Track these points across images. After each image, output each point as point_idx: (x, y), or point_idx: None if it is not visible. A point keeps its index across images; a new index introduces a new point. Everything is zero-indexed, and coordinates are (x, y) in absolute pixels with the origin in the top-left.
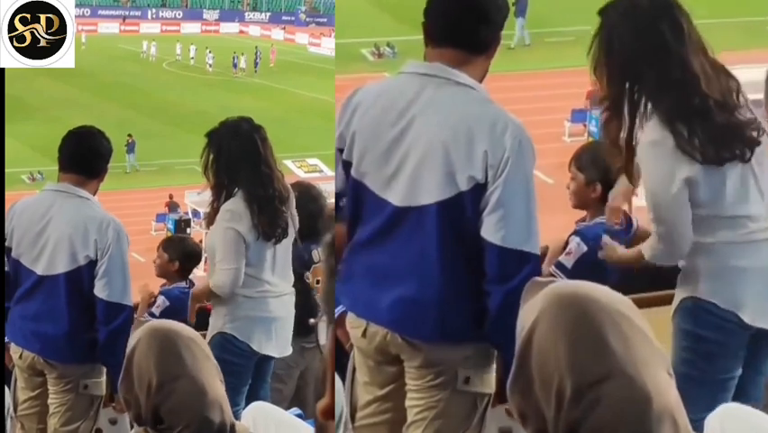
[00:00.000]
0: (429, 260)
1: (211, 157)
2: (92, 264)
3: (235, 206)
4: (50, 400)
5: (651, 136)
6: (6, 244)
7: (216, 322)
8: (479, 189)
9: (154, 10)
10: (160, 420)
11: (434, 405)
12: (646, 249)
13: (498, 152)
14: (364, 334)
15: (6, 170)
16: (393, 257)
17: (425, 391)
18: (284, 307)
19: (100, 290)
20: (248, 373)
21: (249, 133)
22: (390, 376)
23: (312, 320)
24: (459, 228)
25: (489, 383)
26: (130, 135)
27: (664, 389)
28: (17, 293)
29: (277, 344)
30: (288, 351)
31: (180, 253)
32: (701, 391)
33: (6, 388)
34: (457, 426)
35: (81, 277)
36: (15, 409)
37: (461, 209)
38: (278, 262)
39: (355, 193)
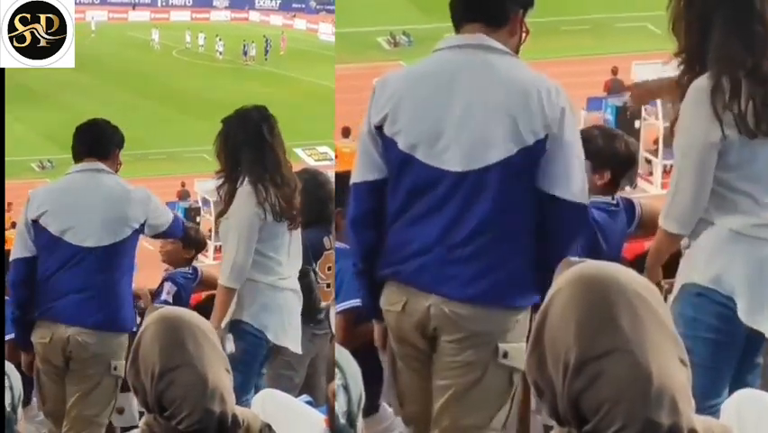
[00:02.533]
0: (492, 221)
1: (219, 143)
2: (141, 229)
3: (243, 190)
4: (73, 387)
5: (698, 83)
6: (41, 223)
7: (232, 309)
8: (538, 147)
9: None
10: (164, 408)
11: (472, 382)
12: (662, 215)
13: (557, 107)
14: (404, 308)
15: (16, 158)
16: (454, 223)
17: (462, 368)
18: (293, 300)
19: (162, 225)
20: (258, 362)
21: (257, 121)
22: (426, 360)
23: (324, 303)
24: (520, 185)
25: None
26: None
27: (669, 372)
28: (59, 270)
29: (291, 336)
30: (299, 348)
31: (194, 242)
32: (701, 380)
33: (6, 387)
34: (492, 403)
35: (132, 243)
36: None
37: (521, 167)
38: (292, 253)
39: (402, 167)
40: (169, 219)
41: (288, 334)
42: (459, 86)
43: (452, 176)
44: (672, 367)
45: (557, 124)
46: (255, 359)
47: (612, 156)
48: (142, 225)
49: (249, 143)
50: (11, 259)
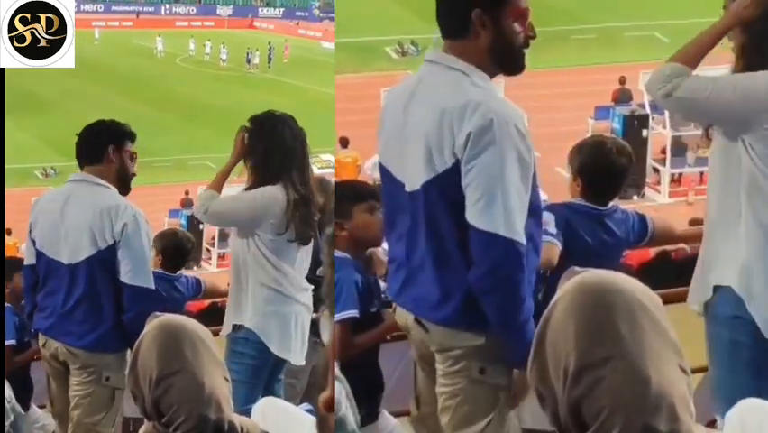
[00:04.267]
0: (434, 246)
1: (261, 146)
2: (111, 249)
3: (276, 194)
4: (72, 393)
5: None
6: (30, 236)
7: (237, 314)
8: (452, 174)
9: (167, 6)
10: (162, 415)
11: (457, 393)
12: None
13: (464, 131)
14: (396, 314)
15: (20, 166)
16: (408, 241)
17: (448, 378)
18: (303, 313)
19: (125, 275)
20: (265, 371)
21: (299, 131)
22: (432, 361)
23: (314, 314)
24: (444, 212)
25: (510, 376)
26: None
27: (669, 380)
28: (44, 283)
29: (294, 348)
30: (302, 360)
31: (163, 246)
32: (733, 392)
33: (6, 388)
34: (480, 415)
35: (102, 263)
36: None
37: (444, 194)
38: (303, 265)
39: (383, 180)
40: (142, 268)
41: (291, 346)
42: (410, 105)
43: (405, 193)
44: (672, 374)
45: (463, 150)
46: (261, 368)
47: (578, 165)
48: (112, 246)
49: (296, 153)
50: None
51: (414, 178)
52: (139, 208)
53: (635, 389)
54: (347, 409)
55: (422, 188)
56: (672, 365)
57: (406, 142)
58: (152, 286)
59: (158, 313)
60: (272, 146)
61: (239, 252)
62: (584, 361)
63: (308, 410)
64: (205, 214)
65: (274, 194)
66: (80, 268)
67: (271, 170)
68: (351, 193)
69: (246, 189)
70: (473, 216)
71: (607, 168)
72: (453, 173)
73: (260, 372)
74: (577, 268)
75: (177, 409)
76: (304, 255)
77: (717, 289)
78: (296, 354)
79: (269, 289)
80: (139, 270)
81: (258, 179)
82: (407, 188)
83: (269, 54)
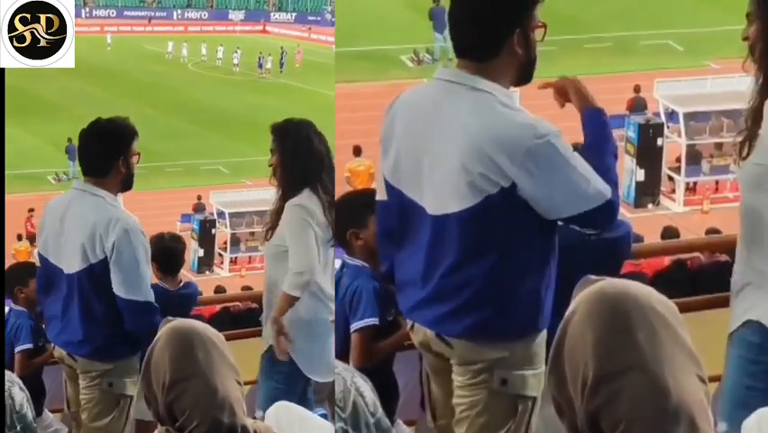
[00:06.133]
0: (462, 265)
1: (289, 153)
2: (103, 263)
3: (308, 202)
4: (80, 395)
5: None
6: (39, 239)
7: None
8: (509, 192)
9: (180, 11)
10: (175, 419)
11: (475, 404)
12: None
13: (519, 152)
14: (412, 328)
15: (33, 171)
16: (427, 260)
17: (467, 389)
18: (332, 328)
19: (117, 289)
20: (302, 383)
21: (322, 136)
22: (448, 374)
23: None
24: (485, 233)
25: (531, 386)
26: (69, 140)
27: (688, 390)
28: (49, 290)
29: (324, 367)
30: (327, 377)
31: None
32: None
33: (6, 387)
34: (497, 425)
35: (94, 275)
36: (69, 406)
37: (493, 213)
38: (329, 268)
39: (393, 199)
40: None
41: (321, 366)
42: (432, 128)
43: (428, 217)
44: (690, 384)
45: (522, 168)
46: (297, 380)
47: None
48: (104, 260)
49: (324, 158)
50: None
51: (444, 202)
52: (132, 217)
53: (653, 399)
54: (382, 414)
55: (459, 213)
56: (690, 375)
57: (431, 166)
58: (148, 298)
59: (170, 318)
60: (302, 152)
61: (273, 270)
62: (602, 371)
63: (322, 415)
64: (303, 292)
65: (307, 209)
66: (74, 280)
67: (301, 177)
68: (368, 202)
69: (278, 198)
70: (574, 205)
71: None
72: (506, 194)
73: (297, 383)
74: (592, 277)
75: (190, 414)
76: (331, 262)
77: (747, 321)
78: (328, 372)
79: (302, 306)
80: (132, 283)
81: (288, 186)
82: (431, 211)
83: (282, 59)
